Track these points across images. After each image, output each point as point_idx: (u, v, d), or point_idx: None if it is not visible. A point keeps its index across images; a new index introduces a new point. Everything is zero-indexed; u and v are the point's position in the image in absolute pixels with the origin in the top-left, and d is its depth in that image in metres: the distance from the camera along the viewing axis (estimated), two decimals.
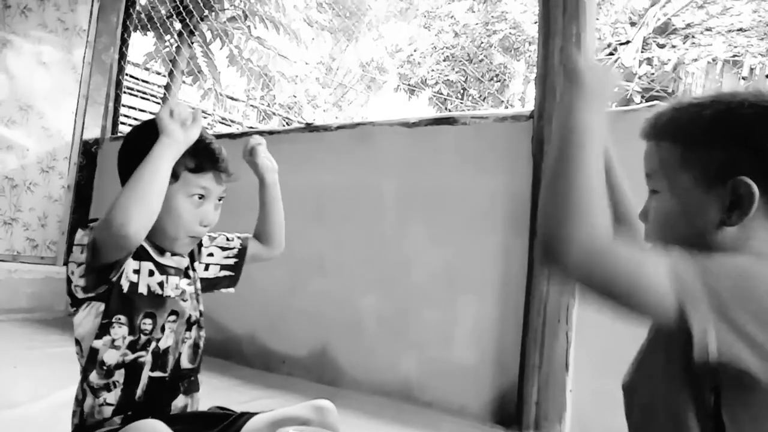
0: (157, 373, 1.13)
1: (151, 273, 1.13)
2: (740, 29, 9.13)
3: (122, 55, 4.39)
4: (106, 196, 3.93)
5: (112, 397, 1.09)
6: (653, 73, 9.17)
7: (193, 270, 1.25)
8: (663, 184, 0.78)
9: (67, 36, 4.07)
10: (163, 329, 1.14)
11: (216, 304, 1.53)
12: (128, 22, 4.43)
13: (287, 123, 11.63)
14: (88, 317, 1.09)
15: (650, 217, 0.81)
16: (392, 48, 12.98)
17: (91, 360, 1.09)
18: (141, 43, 8.32)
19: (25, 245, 3.93)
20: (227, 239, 1.34)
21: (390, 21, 13.12)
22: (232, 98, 10.84)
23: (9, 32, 3.81)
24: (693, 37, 9.41)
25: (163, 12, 7.72)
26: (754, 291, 0.65)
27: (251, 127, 8.18)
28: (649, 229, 0.82)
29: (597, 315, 0.81)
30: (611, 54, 9.43)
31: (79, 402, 1.10)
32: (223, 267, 1.32)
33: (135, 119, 6.94)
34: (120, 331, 1.09)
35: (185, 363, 1.18)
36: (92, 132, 4.20)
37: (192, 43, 8.15)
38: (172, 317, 1.16)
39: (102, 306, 1.08)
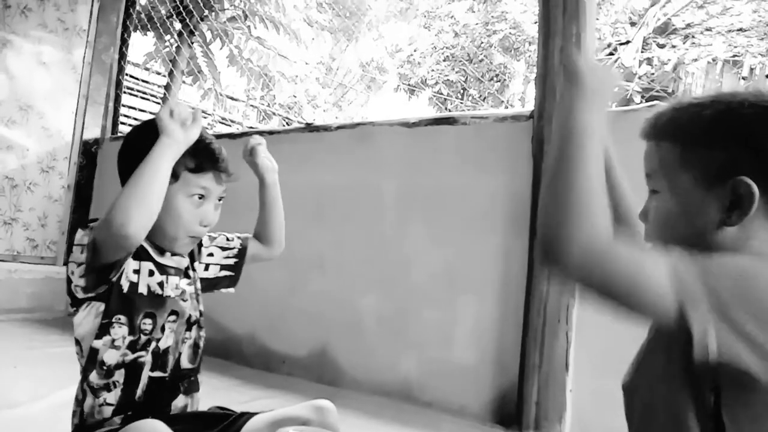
0: (157, 373, 1.13)
1: (151, 273, 1.13)
2: (740, 29, 9.13)
3: (122, 55, 4.39)
4: (106, 196, 3.93)
5: (112, 397, 1.09)
6: (653, 73, 9.17)
7: (193, 270, 1.25)
8: (663, 184, 0.78)
9: (67, 36, 4.07)
10: (163, 329, 1.14)
11: (216, 304, 1.53)
12: (128, 22, 4.43)
13: (287, 123, 11.63)
14: (88, 317, 1.09)
15: (650, 217, 0.81)
16: (392, 48, 12.98)
17: (91, 360, 1.09)
18: (141, 43, 8.33)
19: (25, 245, 3.93)
20: (227, 239, 1.34)
21: (390, 21, 13.12)
22: (232, 98, 10.83)
23: (9, 32, 3.81)
24: (693, 37, 9.41)
25: (163, 12, 7.72)
26: (754, 291, 0.65)
27: (251, 127, 8.17)
28: (649, 229, 0.82)
29: (597, 315, 0.81)
30: (611, 54, 9.43)
31: (79, 402, 1.10)
32: (223, 267, 1.32)
33: (135, 119, 6.94)
34: (120, 331, 1.09)
35: (185, 363, 1.18)
36: (92, 132, 4.20)
37: (192, 43, 8.15)
38: (172, 317, 1.16)
39: (102, 306, 1.08)
